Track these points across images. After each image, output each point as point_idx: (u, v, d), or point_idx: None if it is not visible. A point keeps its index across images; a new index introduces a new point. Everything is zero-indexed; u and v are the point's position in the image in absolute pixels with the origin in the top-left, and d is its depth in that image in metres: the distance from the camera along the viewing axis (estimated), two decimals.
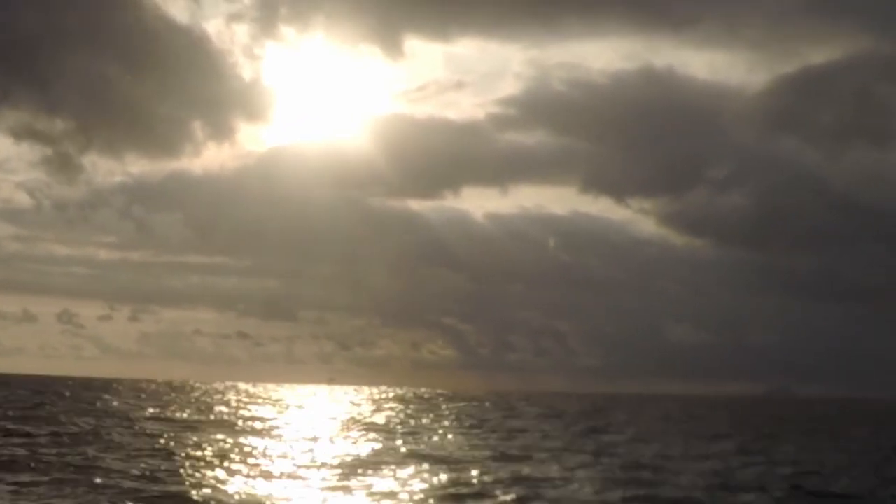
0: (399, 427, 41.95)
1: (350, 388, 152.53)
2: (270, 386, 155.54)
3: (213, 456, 24.67)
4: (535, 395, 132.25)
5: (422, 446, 30.62)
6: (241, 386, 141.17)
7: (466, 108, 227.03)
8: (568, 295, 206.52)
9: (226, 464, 23.01)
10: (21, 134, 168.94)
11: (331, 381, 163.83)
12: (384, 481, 20.73)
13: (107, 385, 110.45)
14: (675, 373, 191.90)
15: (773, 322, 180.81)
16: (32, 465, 21.14)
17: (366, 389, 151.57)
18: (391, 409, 66.77)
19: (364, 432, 37.13)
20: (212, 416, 46.17)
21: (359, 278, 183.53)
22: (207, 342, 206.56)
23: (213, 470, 21.66)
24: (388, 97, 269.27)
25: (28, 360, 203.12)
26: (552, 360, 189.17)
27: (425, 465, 23.77)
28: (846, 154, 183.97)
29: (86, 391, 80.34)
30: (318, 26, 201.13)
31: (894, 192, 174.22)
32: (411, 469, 22.98)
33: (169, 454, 24.55)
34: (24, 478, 19.04)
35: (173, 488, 18.54)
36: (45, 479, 19.06)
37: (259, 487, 19.45)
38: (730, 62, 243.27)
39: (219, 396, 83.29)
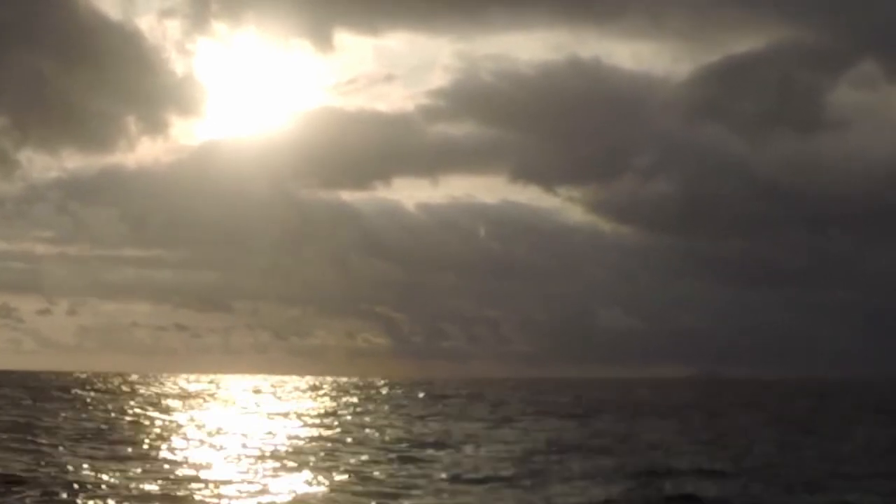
0: None
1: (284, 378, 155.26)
2: (204, 377, 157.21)
3: None
4: (461, 382, 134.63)
5: None
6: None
7: (396, 100, 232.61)
8: (499, 282, 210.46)
9: None
10: None
11: None
12: None
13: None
14: (606, 357, 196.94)
15: (700, 306, 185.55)
16: None
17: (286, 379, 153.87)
18: None
19: None
20: None
21: (293, 269, 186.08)
22: (145, 334, 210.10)
23: None
24: (318, 90, 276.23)
25: None
26: (485, 347, 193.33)
27: None
28: (769, 141, 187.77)
29: None
30: (249, 21, 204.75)
31: (817, 177, 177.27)
32: None
33: None
34: None
35: None
36: None
37: None
38: (654, 52, 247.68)
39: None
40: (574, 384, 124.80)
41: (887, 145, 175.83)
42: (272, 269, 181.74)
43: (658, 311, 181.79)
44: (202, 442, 28.45)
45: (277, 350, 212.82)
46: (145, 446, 26.01)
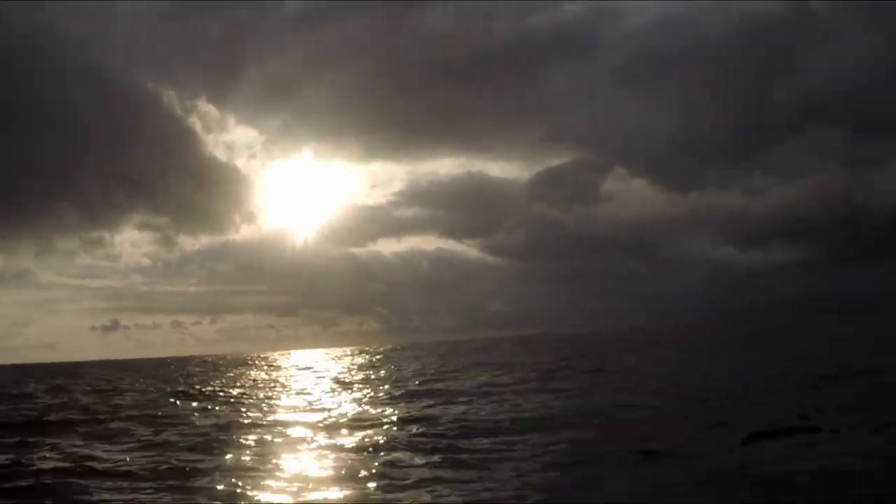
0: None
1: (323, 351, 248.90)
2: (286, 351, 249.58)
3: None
4: (420, 345, 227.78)
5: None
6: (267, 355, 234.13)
7: (378, 198, 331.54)
8: (436, 292, 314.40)
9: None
10: (142, 227, 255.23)
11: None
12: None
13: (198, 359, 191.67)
14: (494, 325, 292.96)
15: (540, 296, 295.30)
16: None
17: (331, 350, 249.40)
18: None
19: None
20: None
21: (329, 290, 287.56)
22: (253, 332, 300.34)
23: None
24: (338, 193, 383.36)
25: (156, 349, 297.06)
26: (431, 324, 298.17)
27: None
28: (572, 211, 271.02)
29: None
30: (300, 152, 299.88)
31: (597, 227, 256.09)
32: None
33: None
34: None
35: None
36: None
37: None
38: (511, 167, 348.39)
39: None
40: (478, 342, 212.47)
41: (631, 211, 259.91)
42: (318, 291, 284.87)
43: (518, 300, 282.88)
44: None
45: (323, 335, 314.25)
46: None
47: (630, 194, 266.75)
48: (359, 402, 27.37)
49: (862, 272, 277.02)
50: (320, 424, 20.60)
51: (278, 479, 13.72)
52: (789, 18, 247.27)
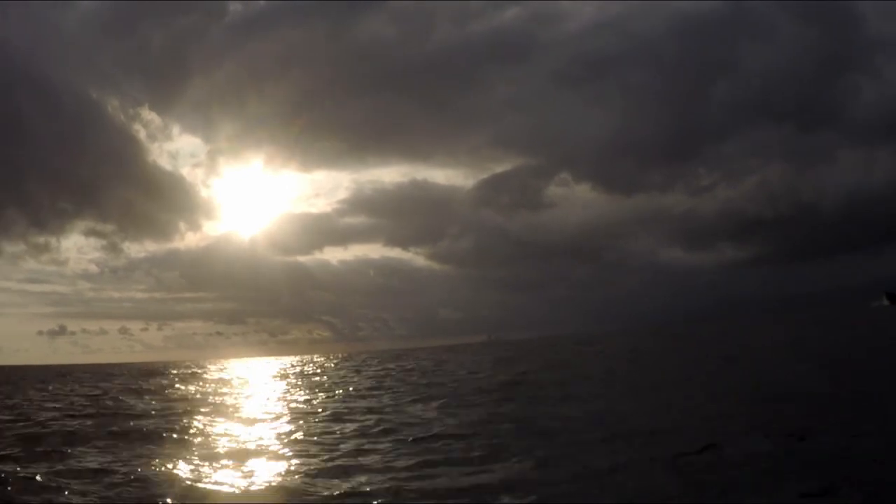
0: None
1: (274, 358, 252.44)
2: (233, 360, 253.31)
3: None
4: (368, 351, 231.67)
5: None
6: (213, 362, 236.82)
7: (322, 206, 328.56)
8: (384, 299, 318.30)
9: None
10: (89, 233, 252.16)
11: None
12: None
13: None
14: (444, 333, 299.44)
15: (489, 302, 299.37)
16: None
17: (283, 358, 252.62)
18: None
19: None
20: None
21: (276, 298, 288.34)
22: (200, 339, 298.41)
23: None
24: (280, 203, 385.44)
25: (105, 355, 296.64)
26: (381, 332, 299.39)
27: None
28: (516, 217, 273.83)
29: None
30: (244, 161, 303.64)
31: (542, 234, 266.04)
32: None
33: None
34: None
35: None
36: None
37: None
38: (455, 174, 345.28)
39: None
40: (419, 349, 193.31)
41: (577, 216, 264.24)
42: (265, 299, 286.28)
43: (467, 307, 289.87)
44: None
45: (271, 343, 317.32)
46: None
47: (574, 198, 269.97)
48: None
49: (813, 267, 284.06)
50: None
51: None
52: (725, 16, 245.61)
